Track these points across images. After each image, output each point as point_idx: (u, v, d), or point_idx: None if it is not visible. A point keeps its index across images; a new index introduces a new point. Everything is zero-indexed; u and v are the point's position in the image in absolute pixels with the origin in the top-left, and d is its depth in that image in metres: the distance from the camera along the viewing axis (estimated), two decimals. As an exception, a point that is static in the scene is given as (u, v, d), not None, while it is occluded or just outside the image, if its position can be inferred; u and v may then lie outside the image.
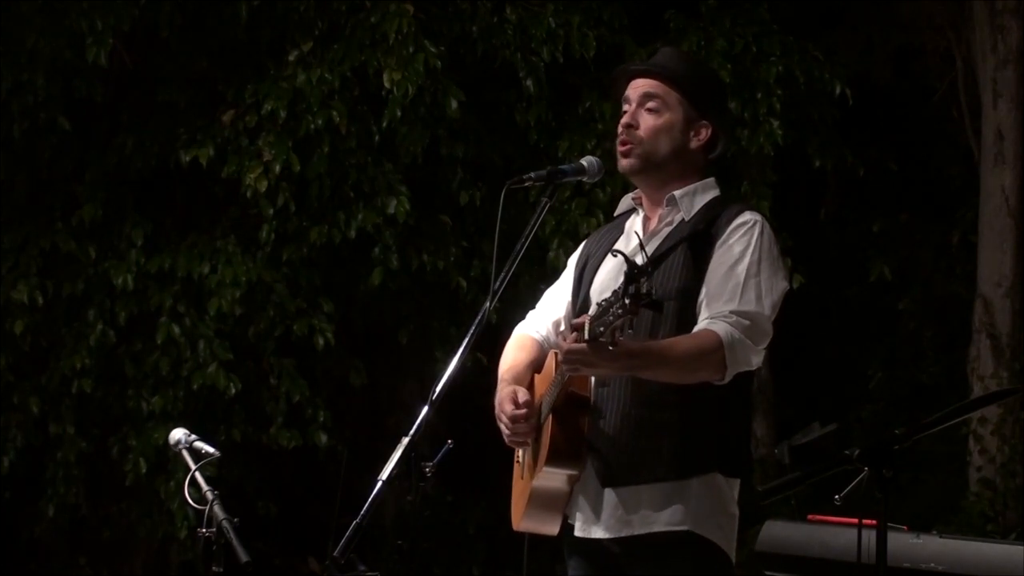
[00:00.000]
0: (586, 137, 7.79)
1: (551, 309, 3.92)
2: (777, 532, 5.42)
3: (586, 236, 7.51)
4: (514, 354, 3.87)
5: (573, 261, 3.93)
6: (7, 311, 7.89)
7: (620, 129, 3.72)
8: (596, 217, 7.58)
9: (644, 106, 3.70)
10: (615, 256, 3.43)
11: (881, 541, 3.49)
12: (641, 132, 3.68)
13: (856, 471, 3.62)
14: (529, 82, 7.85)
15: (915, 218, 10.19)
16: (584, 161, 3.76)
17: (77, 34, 7.60)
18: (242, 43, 8.06)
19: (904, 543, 4.98)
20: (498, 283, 3.54)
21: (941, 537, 5.09)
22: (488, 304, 3.51)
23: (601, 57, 7.90)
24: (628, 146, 3.69)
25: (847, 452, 3.61)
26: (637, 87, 3.73)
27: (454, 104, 7.69)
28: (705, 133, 3.71)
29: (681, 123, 3.69)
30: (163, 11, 7.78)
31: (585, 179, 3.83)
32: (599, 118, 7.83)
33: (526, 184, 3.67)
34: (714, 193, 3.73)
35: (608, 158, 3.91)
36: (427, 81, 7.62)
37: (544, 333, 3.89)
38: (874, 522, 3.55)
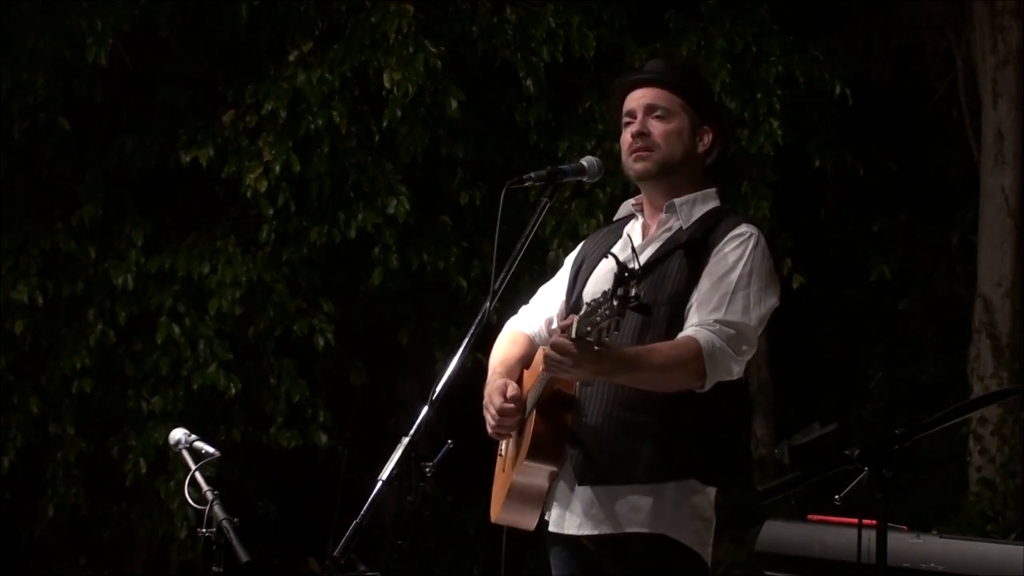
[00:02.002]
0: (586, 137, 7.79)
1: (544, 306, 3.94)
2: (777, 532, 5.41)
3: (586, 236, 7.56)
4: (506, 347, 3.90)
5: (570, 261, 3.95)
6: (7, 311, 7.89)
7: (630, 139, 3.74)
8: (596, 217, 7.58)
9: (651, 115, 3.73)
10: (607, 258, 3.45)
11: (881, 541, 3.49)
12: (655, 138, 3.71)
13: (856, 471, 3.62)
14: (529, 82, 7.85)
15: (915, 218, 10.19)
16: (584, 161, 3.77)
17: (77, 34, 7.60)
18: (242, 43, 8.06)
19: (904, 543, 4.97)
20: (498, 283, 3.55)
21: (941, 537, 5.09)
22: (488, 304, 3.52)
23: (601, 57, 7.90)
24: (645, 151, 3.71)
25: (847, 452, 3.61)
26: (640, 98, 3.75)
27: (454, 104, 7.69)
28: (708, 138, 3.76)
29: (688, 128, 3.73)
30: (163, 11, 7.77)
31: (585, 179, 3.84)
32: (599, 118, 7.82)
33: (526, 184, 3.68)
34: (714, 204, 3.76)
35: (608, 158, 3.93)
36: (427, 81, 7.62)
37: (536, 329, 3.92)
38: (874, 522, 3.55)
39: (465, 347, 3.50)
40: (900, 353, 10.27)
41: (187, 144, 7.87)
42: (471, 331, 3.52)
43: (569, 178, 3.77)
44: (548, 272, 8.03)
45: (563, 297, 3.89)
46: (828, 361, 10.43)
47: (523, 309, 4.00)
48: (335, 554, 3.29)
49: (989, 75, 8.56)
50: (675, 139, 3.71)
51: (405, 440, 3.37)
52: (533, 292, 4.03)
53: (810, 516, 5.47)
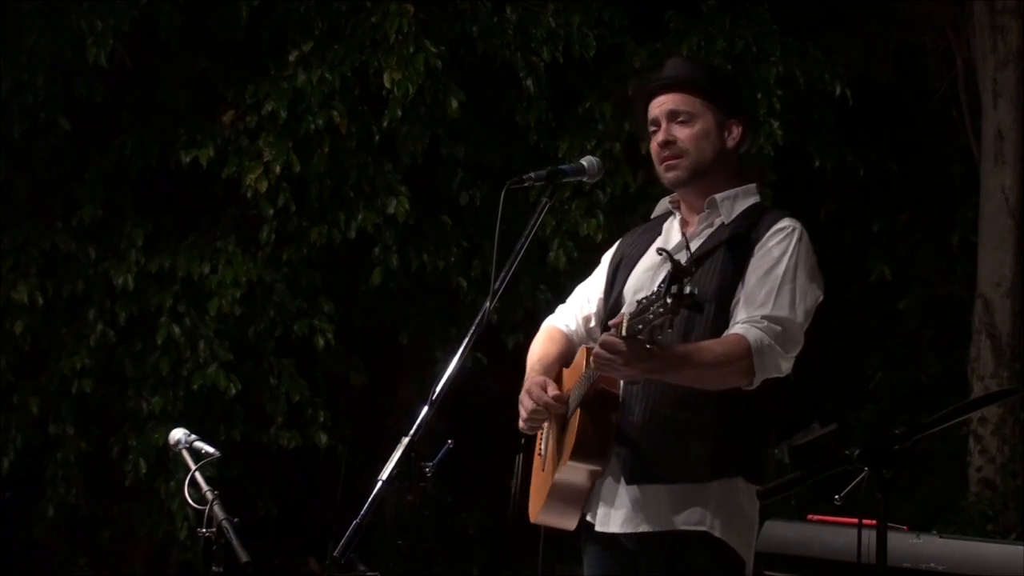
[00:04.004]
0: (586, 137, 7.78)
1: (581, 304, 3.93)
2: (777, 532, 5.41)
3: (586, 236, 7.57)
4: (544, 346, 3.89)
5: (607, 259, 3.94)
6: (7, 311, 7.89)
7: (657, 148, 3.73)
8: (596, 217, 7.57)
9: (675, 120, 3.72)
10: (660, 255, 3.44)
11: (881, 541, 3.48)
12: (682, 144, 3.70)
13: (856, 471, 3.61)
14: (529, 82, 7.85)
15: (915, 218, 10.18)
16: (584, 161, 3.77)
17: (77, 34, 7.60)
18: (242, 43, 8.06)
19: (904, 543, 4.97)
20: (498, 283, 3.55)
21: (941, 537, 5.09)
22: (488, 304, 3.51)
23: (601, 57, 7.90)
24: (674, 159, 3.71)
25: (847, 452, 3.60)
26: (661, 105, 3.74)
27: (454, 104, 7.69)
28: (737, 131, 3.74)
29: (714, 127, 3.72)
30: (163, 11, 7.77)
31: (585, 179, 3.84)
32: (599, 118, 7.82)
33: (526, 184, 3.68)
34: (755, 199, 3.76)
35: (608, 158, 3.92)
36: (427, 81, 7.62)
37: (573, 327, 3.91)
38: (874, 522, 3.55)
39: (465, 347, 3.49)
40: (900, 353, 10.26)
41: (187, 144, 7.87)
42: (471, 331, 3.51)
43: (569, 178, 3.77)
44: (548, 272, 8.03)
45: (601, 295, 3.88)
46: (828, 361, 10.42)
47: (560, 308, 3.99)
48: (335, 554, 3.29)
49: (989, 75, 8.56)
50: (703, 141, 3.70)
51: (405, 440, 3.37)
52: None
53: (810, 516, 5.47)
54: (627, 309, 3.37)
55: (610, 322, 3.44)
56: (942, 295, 9.95)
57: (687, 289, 3.14)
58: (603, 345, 3.38)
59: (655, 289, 3.21)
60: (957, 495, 8.48)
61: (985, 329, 8.47)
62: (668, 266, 3.40)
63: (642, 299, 3.26)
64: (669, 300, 3.14)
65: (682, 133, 3.70)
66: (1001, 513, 8.11)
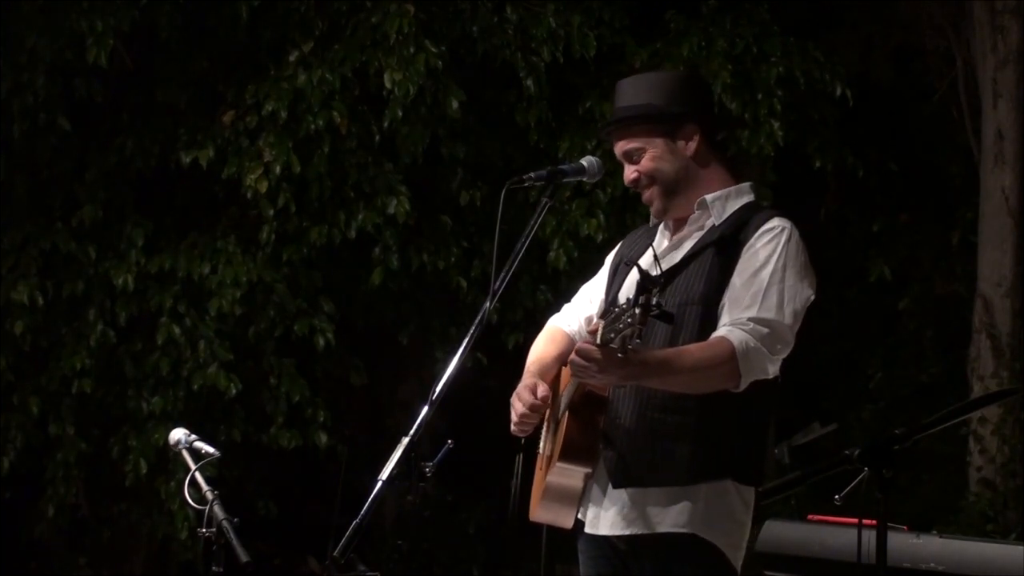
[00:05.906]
0: (586, 137, 7.79)
1: (584, 304, 3.95)
2: (777, 532, 5.41)
3: (586, 236, 7.57)
4: (543, 346, 3.90)
5: (609, 259, 3.95)
6: (7, 311, 7.89)
7: (629, 187, 3.77)
8: (596, 217, 7.58)
9: (630, 161, 3.74)
10: (628, 266, 3.47)
11: (881, 541, 3.49)
12: (644, 178, 3.71)
13: (856, 471, 3.62)
14: (529, 82, 7.85)
15: (915, 218, 10.19)
16: (584, 161, 3.77)
17: (77, 34, 7.60)
18: (242, 43, 8.06)
19: (904, 543, 4.97)
20: (498, 283, 3.55)
21: (941, 537, 5.08)
22: (488, 304, 3.51)
23: (601, 57, 7.91)
24: (646, 191, 3.73)
25: (847, 452, 3.61)
26: (617, 147, 3.78)
27: (454, 104, 7.70)
28: (693, 134, 3.71)
29: (664, 146, 3.70)
30: (163, 11, 7.78)
31: (585, 179, 3.84)
32: (599, 118, 7.82)
33: (526, 184, 3.68)
34: (748, 198, 3.74)
35: (608, 158, 3.92)
36: (428, 81, 7.63)
37: (575, 327, 3.92)
38: (874, 522, 3.55)
39: (465, 347, 3.49)
40: (900, 353, 10.26)
41: (187, 144, 7.88)
42: (471, 331, 3.51)
43: (569, 178, 3.77)
44: (548, 272, 8.02)
45: (602, 295, 3.89)
46: (828, 361, 10.43)
47: (565, 307, 4.01)
48: (335, 554, 3.29)
49: (989, 75, 8.56)
50: (660, 164, 3.70)
51: (405, 440, 3.37)
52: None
53: (810, 516, 5.47)
54: (602, 317, 3.38)
55: (588, 329, 3.45)
56: (942, 295, 9.96)
57: (654, 300, 3.16)
58: (578, 352, 3.40)
59: (628, 298, 3.23)
60: (957, 495, 8.48)
61: (985, 329, 8.48)
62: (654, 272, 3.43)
63: (615, 308, 3.29)
64: (636, 311, 3.16)
65: (640, 167, 3.71)
66: (1001, 513, 8.12)
